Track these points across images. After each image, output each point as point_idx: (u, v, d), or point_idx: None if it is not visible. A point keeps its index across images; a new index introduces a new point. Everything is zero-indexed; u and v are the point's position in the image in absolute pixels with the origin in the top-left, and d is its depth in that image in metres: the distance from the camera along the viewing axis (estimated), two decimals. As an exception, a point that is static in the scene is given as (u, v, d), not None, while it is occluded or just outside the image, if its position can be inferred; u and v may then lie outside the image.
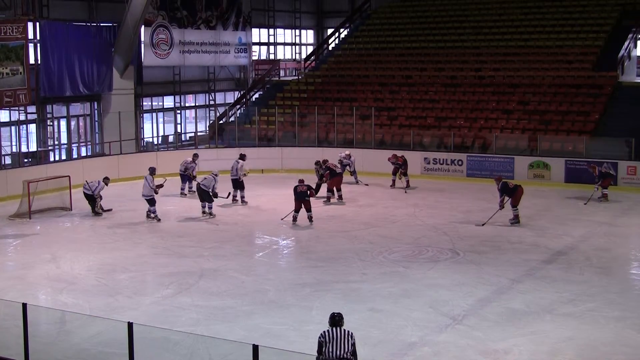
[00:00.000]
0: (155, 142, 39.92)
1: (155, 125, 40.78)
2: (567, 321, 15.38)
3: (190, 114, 43.91)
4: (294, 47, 51.39)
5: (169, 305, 16.44)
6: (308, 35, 52.95)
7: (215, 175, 25.55)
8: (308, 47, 52.10)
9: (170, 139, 40.25)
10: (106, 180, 25.96)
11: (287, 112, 38.32)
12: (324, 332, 11.12)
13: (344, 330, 11.14)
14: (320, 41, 51.09)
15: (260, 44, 48.23)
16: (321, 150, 34.12)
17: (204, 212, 25.22)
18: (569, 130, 32.91)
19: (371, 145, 34.58)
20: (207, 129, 41.90)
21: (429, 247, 21.19)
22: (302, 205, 23.92)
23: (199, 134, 39.96)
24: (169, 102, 41.85)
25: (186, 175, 28.81)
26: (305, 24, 51.78)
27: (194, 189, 28.57)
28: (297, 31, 51.14)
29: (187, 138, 41.56)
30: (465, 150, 32.87)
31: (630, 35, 37.67)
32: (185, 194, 28.44)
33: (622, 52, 36.59)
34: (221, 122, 40.43)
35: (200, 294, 17.19)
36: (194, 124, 42.58)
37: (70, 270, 19.11)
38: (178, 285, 17.82)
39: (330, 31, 49.97)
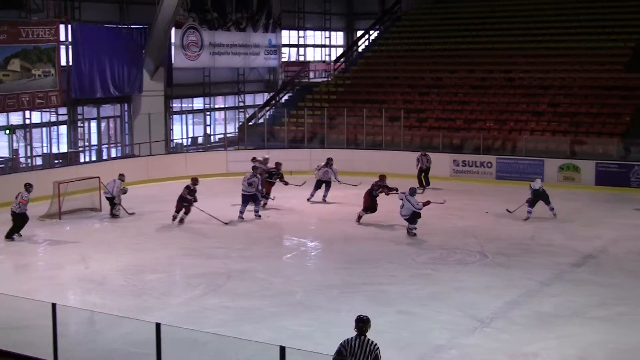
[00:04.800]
0: (185, 144, 40.09)
1: (184, 126, 40.96)
2: (597, 325, 15.26)
3: (219, 115, 44.06)
4: (323, 48, 51.40)
5: (196, 306, 16.49)
6: (338, 37, 52.96)
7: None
8: (338, 49, 52.10)
9: (200, 140, 40.39)
10: (121, 177, 25.96)
11: (317, 114, 38.29)
12: (346, 341, 10.62)
13: (367, 341, 10.50)
14: (350, 43, 51.08)
15: (289, 45, 48.29)
16: (350, 152, 34.18)
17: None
18: (599, 133, 32.66)
19: (400, 147, 34.50)
20: (237, 130, 42.01)
21: (457, 250, 21.12)
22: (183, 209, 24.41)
23: (228, 135, 40.05)
24: (198, 103, 41.98)
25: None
26: (335, 25, 51.76)
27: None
28: (327, 33, 51.14)
29: (217, 139, 41.66)
30: (494, 152, 32.70)
31: (662, 37, 37.37)
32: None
33: (654, 53, 36.30)
34: (250, 123, 40.52)
35: (228, 295, 17.22)
36: (223, 126, 42.70)
37: (99, 271, 19.20)
38: (206, 286, 17.86)
39: (360, 33, 49.93)
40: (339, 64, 46.73)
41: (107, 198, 25.74)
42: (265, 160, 28.33)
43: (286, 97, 43.87)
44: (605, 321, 15.50)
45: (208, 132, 41.62)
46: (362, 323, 10.60)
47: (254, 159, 28.14)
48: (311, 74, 47.55)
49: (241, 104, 44.18)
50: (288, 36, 47.90)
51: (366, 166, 32.81)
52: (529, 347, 14.06)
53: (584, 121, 33.53)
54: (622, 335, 14.72)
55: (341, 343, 10.69)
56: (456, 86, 38.44)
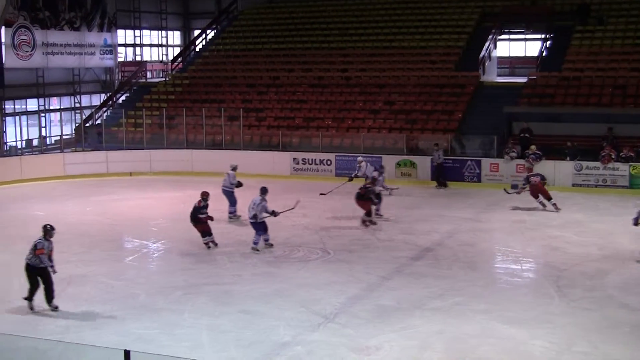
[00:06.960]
0: (19, 147, 38.90)
1: (18, 129, 39.72)
2: (435, 315, 15.74)
3: (55, 117, 42.93)
4: (160, 48, 50.87)
5: (36, 314, 16.04)
6: (175, 37, 52.50)
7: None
8: (175, 48, 51.65)
9: (35, 142, 39.26)
10: None
11: (155, 114, 37.88)
12: None
13: None
14: (187, 42, 50.74)
15: (126, 45, 47.56)
16: (190, 152, 33.98)
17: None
18: (434, 129, 33.64)
19: (240, 146, 34.56)
20: (73, 132, 41.06)
21: (299, 247, 21.33)
22: None
23: (64, 137, 39.10)
24: (32, 105, 40.81)
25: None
26: (172, 25, 51.33)
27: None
28: (164, 32, 50.65)
29: (53, 142, 40.62)
30: (333, 150, 33.16)
31: (490, 36, 38.73)
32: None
33: (483, 52, 37.60)
34: (87, 125, 39.68)
35: (69, 300, 16.81)
36: (59, 127, 41.66)
37: None
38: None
39: (197, 32, 49.67)
40: (176, 63, 46.31)
41: None
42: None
43: (123, 97, 43.18)
44: (443, 311, 16.01)
45: (43, 134, 40.53)
46: None
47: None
48: (148, 74, 47.02)
49: (77, 104, 43.20)
50: (124, 36, 47.18)
51: (206, 166, 32.75)
52: (372, 340, 14.36)
53: (419, 118, 34.46)
54: (459, 324, 15.22)
55: None
56: (294, 85, 38.76)
